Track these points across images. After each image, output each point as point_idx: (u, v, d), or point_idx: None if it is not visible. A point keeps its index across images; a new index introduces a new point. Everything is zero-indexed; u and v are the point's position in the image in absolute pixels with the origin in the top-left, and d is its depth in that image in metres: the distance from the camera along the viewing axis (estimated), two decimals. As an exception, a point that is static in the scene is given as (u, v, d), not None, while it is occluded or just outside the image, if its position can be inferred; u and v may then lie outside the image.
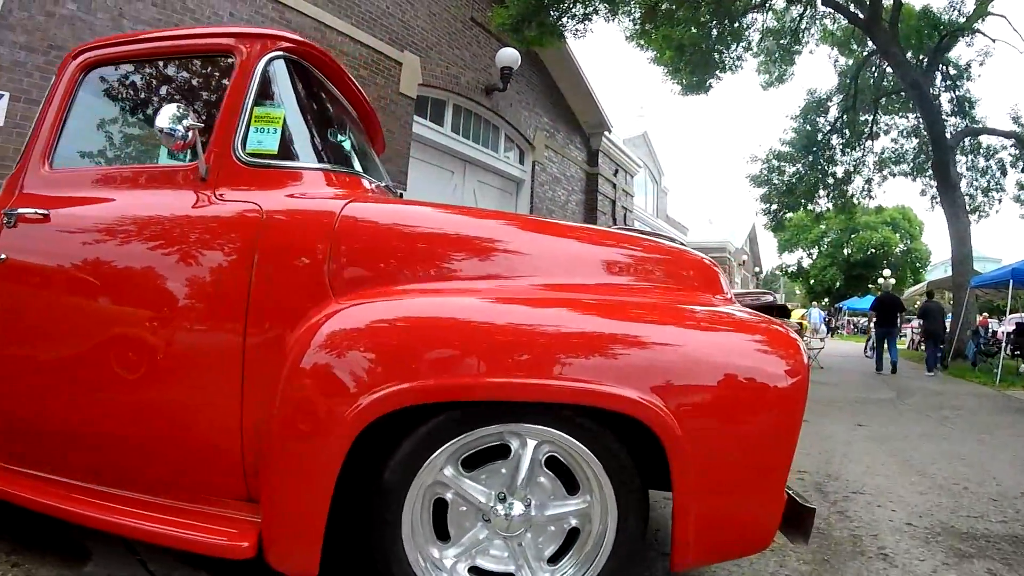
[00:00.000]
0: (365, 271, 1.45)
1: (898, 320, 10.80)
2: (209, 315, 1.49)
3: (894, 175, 15.52)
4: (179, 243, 1.53)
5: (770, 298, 6.60)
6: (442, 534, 1.40)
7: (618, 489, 1.36)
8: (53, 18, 4.61)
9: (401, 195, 7.60)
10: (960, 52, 13.89)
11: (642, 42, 10.19)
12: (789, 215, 16.40)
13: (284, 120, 1.68)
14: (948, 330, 11.63)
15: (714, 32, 9.93)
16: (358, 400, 1.23)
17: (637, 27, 9.78)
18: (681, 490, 1.29)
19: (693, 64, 10.16)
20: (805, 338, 11.35)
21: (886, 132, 14.99)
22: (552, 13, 7.81)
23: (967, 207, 13.33)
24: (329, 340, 1.28)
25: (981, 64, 13.54)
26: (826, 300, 38.42)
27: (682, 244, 5.53)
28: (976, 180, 14.96)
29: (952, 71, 13.96)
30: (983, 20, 12.38)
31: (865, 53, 13.16)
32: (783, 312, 6.57)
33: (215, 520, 1.45)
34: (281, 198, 1.54)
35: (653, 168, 22.91)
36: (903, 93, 12.85)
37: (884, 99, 14.08)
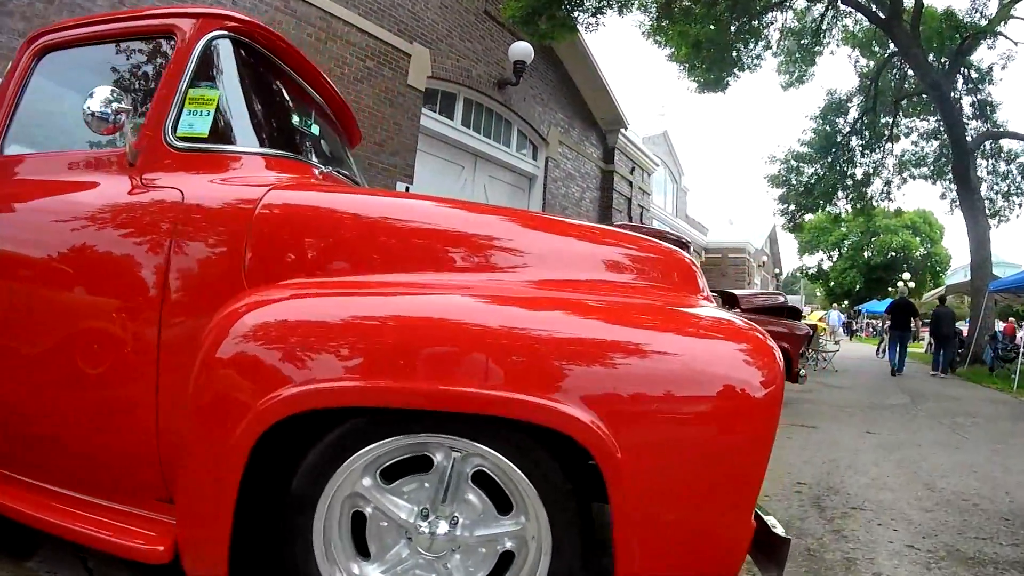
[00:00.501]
0: (283, 261, 1.33)
1: (911, 324, 10.92)
2: (124, 306, 1.39)
3: (914, 178, 15.04)
4: (101, 231, 1.45)
5: (781, 299, 6.37)
6: (365, 550, 1.25)
7: (551, 512, 1.18)
8: (52, 4, 4.55)
9: (408, 188, 7.52)
10: (982, 55, 13.47)
11: (659, 38, 9.92)
12: (807, 216, 15.94)
13: (220, 102, 1.56)
14: (959, 335, 11.76)
15: (732, 29, 9.61)
16: (253, 404, 1.12)
17: (653, 23, 9.50)
18: (622, 518, 1.10)
19: (710, 61, 9.86)
20: (821, 340, 11.01)
21: (906, 135, 14.53)
22: (564, 6, 7.60)
23: (987, 211, 13.02)
24: (229, 337, 1.16)
25: (1003, 68, 13.09)
26: (846, 303, 37.62)
27: (685, 241, 5.33)
28: (996, 184, 14.54)
29: (974, 74, 13.52)
30: (1005, 23, 11.93)
31: (886, 55, 12.71)
32: (794, 313, 6.32)
33: (136, 521, 1.36)
34: (204, 184, 1.43)
35: (673, 167, 22.52)
36: (924, 95, 12.41)
37: (905, 101, 13.62)
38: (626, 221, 13.60)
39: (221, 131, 1.56)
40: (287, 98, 1.92)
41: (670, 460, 1.14)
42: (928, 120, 14.01)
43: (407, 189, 7.41)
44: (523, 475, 1.17)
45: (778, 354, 1.31)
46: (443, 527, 1.20)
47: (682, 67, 10.45)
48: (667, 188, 21.98)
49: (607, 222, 9.80)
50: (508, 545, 1.25)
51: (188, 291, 1.35)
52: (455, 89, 8.39)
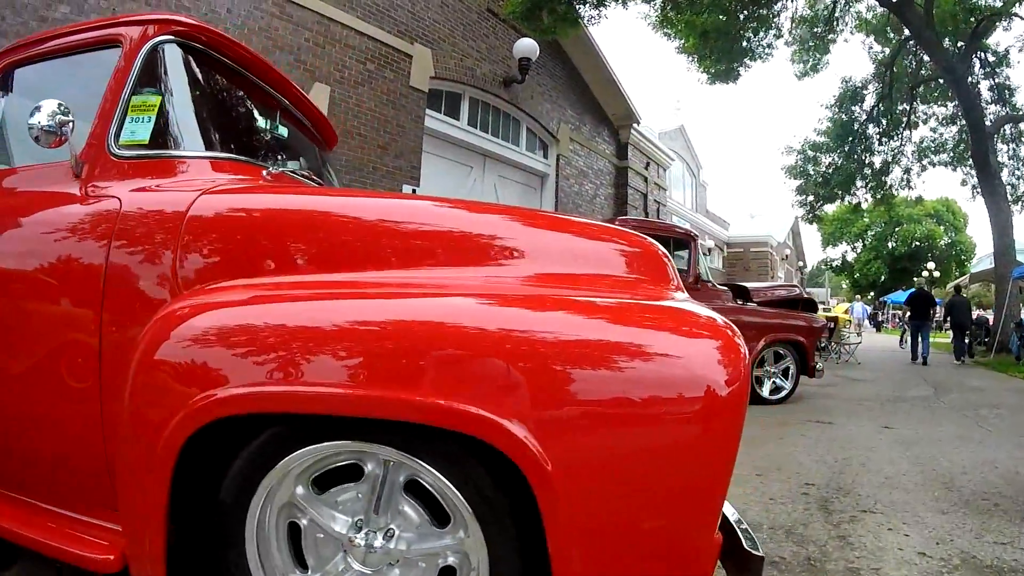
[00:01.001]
0: (213, 265, 1.30)
1: (931, 314, 11.15)
2: (68, 315, 1.40)
3: (934, 165, 14.40)
4: (47, 242, 1.45)
5: (797, 291, 6.10)
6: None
7: (485, 528, 1.05)
8: (47, 22, 4.57)
9: (414, 191, 7.43)
10: (998, 38, 12.87)
11: (667, 30, 9.65)
12: (826, 207, 15.41)
13: (162, 107, 1.55)
14: (985, 324, 12.21)
15: (741, 18, 9.30)
16: (177, 410, 1.08)
17: (659, 14, 9.24)
18: (556, 537, 0.98)
19: (719, 51, 9.56)
20: (844, 332, 10.62)
21: (924, 121, 13.92)
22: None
23: (1008, 196, 12.52)
24: (154, 343, 1.14)
25: (1021, 50, 12.41)
26: (871, 294, 36.56)
27: (693, 235, 5.12)
28: (1018, 169, 13.93)
29: (990, 57, 12.93)
30: (1021, 4, 11.34)
31: (901, 39, 12.20)
32: (811, 306, 6.05)
33: (90, 530, 1.34)
34: (142, 191, 1.43)
35: (691, 162, 22.13)
36: (941, 81, 11.89)
37: (921, 87, 13.05)
38: (641, 216, 13.35)
39: (165, 136, 1.54)
40: (240, 100, 1.89)
41: (613, 472, 1.00)
42: (946, 106, 13.41)
43: (413, 191, 7.34)
44: (453, 487, 1.05)
45: (742, 349, 1.14)
46: (378, 540, 1.11)
47: (691, 59, 10.16)
48: (685, 183, 21.59)
49: (622, 218, 9.56)
50: (451, 560, 1.13)
51: (125, 298, 1.33)
52: (460, 89, 8.28)
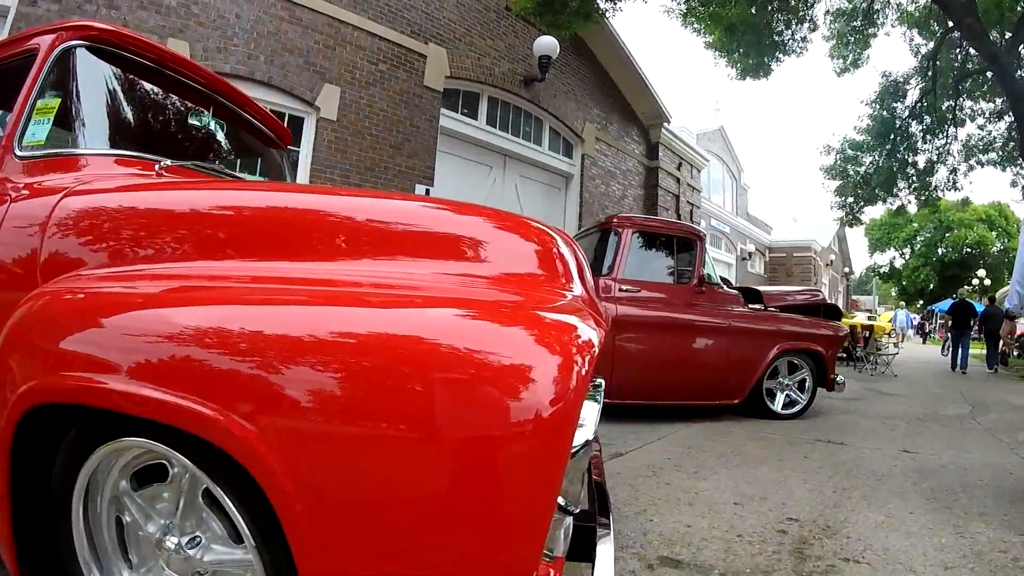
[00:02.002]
0: (71, 259, 1.30)
1: (971, 324, 11.05)
2: None
3: (981, 165, 12.96)
4: None
5: (819, 297, 5.53)
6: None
7: (262, 545, 0.90)
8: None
9: (428, 191, 7.23)
10: None
11: (693, 22, 9.07)
12: (867, 209, 14.21)
13: (63, 108, 1.59)
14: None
15: (769, 9, 8.60)
16: (5, 399, 1.07)
17: (682, 7, 8.68)
18: (303, 563, 0.83)
19: (747, 45, 8.88)
20: (883, 342, 9.74)
21: (972, 119, 12.58)
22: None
23: None
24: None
25: None
26: (920, 302, 34.09)
27: (701, 234, 4.68)
28: (1071, 167, 12.39)
29: None
30: None
31: (943, 31, 11.03)
32: (833, 313, 5.47)
33: None
34: (31, 187, 1.45)
35: (732, 164, 21.18)
36: (989, 74, 10.67)
37: (968, 81, 11.77)
38: (673, 219, 12.75)
39: (68, 135, 1.58)
40: (155, 99, 1.91)
41: (368, 497, 0.82)
42: (994, 101, 12.05)
43: (427, 191, 7.14)
44: (230, 498, 0.93)
45: (576, 368, 0.88)
46: (185, 546, 1.04)
47: (719, 53, 9.52)
48: (726, 185, 20.67)
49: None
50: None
51: (2, 295, 1.33)
52: (478, 88, 8.04)
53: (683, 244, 4.70)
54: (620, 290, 4.36)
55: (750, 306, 4.90)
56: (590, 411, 0.99)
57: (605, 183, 10.63)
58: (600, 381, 1.47)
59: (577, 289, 1.25)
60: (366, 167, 6.50)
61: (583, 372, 0.86)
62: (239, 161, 2.56)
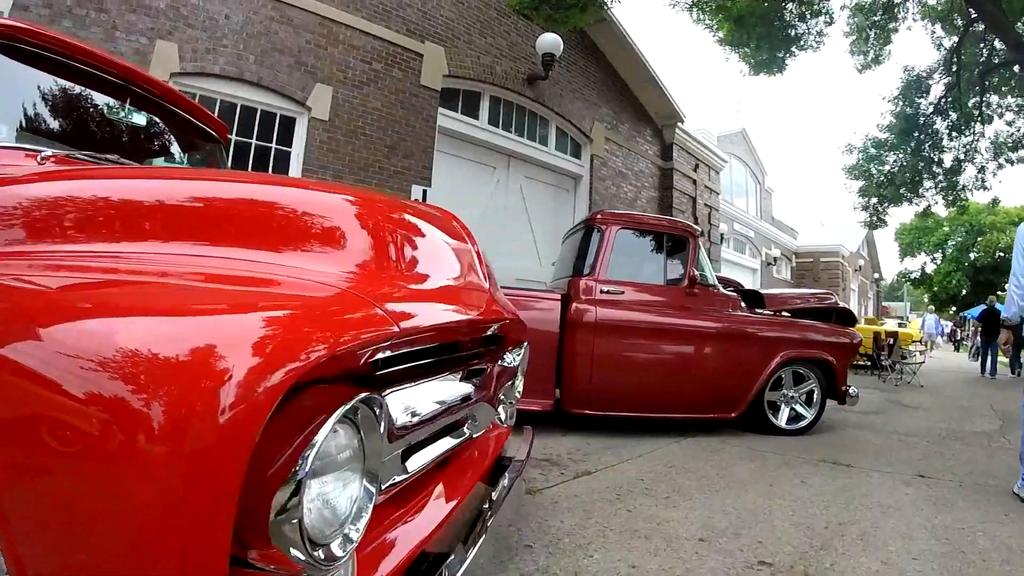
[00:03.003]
0: None
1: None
2: None
3: (1012, 163, 11.86)
4: None
5: (831, 300, 4.97)
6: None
7: None
8: None
9: (425, 191, 6.89)
10: None
11: (702, 16, 8.51)
12: (893, 211, 13.10)
13: None
14: None
15: (780, 1, 7.95)
16: None
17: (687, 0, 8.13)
18: None
19: (757, 38, 8.25)
20: (910, 351, 8.94)
21: (999, 115, 11.49)
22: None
23: None
24: None
25: None
26: (952, 309, 32.06)
27: (697, 232, 4.20)
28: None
29: None
30: None
31: (966, 23, 10.06)
32: (846, 318, 4.90)
33: None
34: None
35: (755, 167, 20.32)
36: (1016, 68, 9.69)
37: (994, 75, 10.74)
38: (692, 221, 12.15)
39: None
40: (65, 92, 1.85)
41: None
42: (1023, 97, 11.01)
43: (424, 192, 6.83)
44: None
45: (232, 374, 0.64)
46: None
47: (730, 48, 8.91)
48: (749, 189, 19.82)
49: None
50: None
51: None
52: (478, 87, 7.69)
53: (674, 242, 4.24)
54: (601, 291, 3.93)
55: (752, 310, 4.40)
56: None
57: (616, 184, 10.13)
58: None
59: (437, 276, 1.16)
60: (359, 167, 6.23)
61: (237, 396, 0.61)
62: (172, 154, 2.45)
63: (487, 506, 1.27)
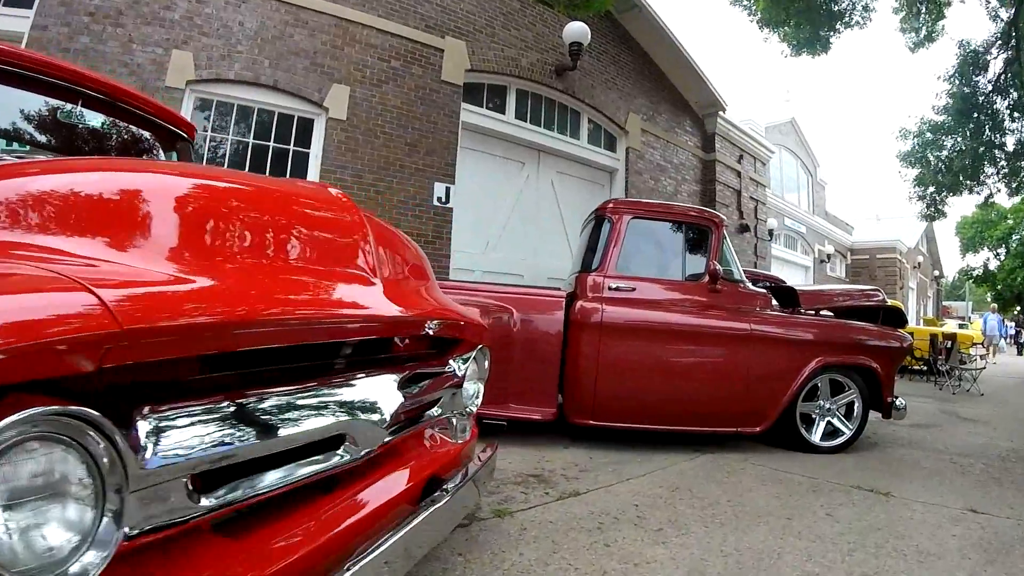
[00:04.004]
0: None
1: None
2: None
3: None
4: None
5: (878, 298, 4.31)
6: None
7: None
8: (68, 53, 4.63)
9: (448, 189, 6.65)
10: None
11: (740, -3, 7.76)
12: (952, 201, 11.49)
13: None
14: None
15: None
16: None
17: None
18: None
19: (797, 15, 7.39)
20: (970, 354, 7.87)
21: None
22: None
23: None
24: None
25: None
26: (1017, 309, 28.63)
27: (717, 219, 3.70)
28: None
29: None
30: None
31: None
32: (895, 318, 4.23)
33: None
34: None
35: (806, 159, 18.91)
36: None
37: None
38: (737, 216, 11.33)
39: None
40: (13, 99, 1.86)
41: None
42: None
43: (447, 190, 6.58)
44: None
45: None
46: None
47: (769, 28, 8.08)
48: (800, 182, 18.45)
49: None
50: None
51: None
52: (504, 81, 7.35)
53: (694, 232, 3.75)
54: (610, 288, 3.51)
55: (784, 309, 3.85)
56: None
57: (654, 178, 9.54)
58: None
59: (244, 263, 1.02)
60: (379, 166, 6.04)
61: None
62: (139, 154, 2.47)
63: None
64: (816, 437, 3.61)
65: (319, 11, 5.70)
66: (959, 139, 10.47)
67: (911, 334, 4.17)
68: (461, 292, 3.49)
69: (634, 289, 3.54)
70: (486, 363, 1.96)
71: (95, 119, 2.11)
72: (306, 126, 5.79)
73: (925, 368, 8.48)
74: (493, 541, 2.00)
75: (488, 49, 7.01)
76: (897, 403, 3.67)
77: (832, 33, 8.00)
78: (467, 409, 1.85)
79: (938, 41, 8.93)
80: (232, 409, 0.92)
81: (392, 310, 1.29)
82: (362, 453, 1.23)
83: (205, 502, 0.86)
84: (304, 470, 1.06)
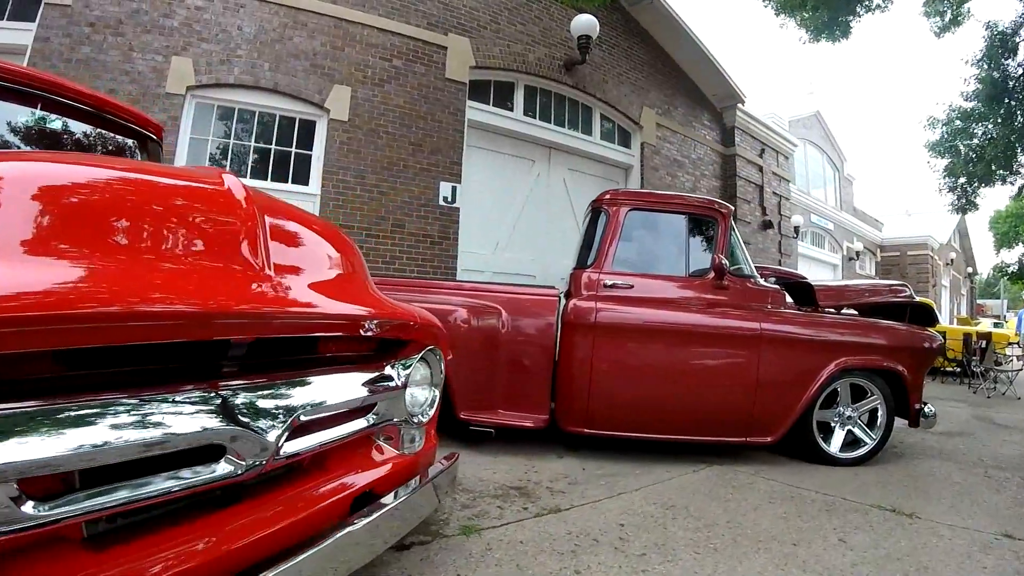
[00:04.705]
0: None
1: None
2: None
3: None
4: None
5: (905, 293, 3.90)
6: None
7: None
8: (71, 63, 4.62)
9: (454, 188, 6.45)
10: None
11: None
12: (984, 192, 10.59)
13: None
14: None
15: None
16: None
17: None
18: None
19: None
20: (1006, 355, 7.21)
21: None
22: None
23: None
24: None
25: None
26: None
27: (725, 210, 3.38)
28: None
29: None
30: None
31: None
32: (924, 315, 3.81)
33: None
34: None
35: (832, 153, 18.04)
36: None
37: None
38: (759, 212, 10.81)
39: None
40: None
41: None
42: None
43: (453, 189, 6.37)
44: None
45: None
46: None
47: (785, 14, 7.58)
48: (827, 178, 17.61)
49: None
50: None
51: None
52: (511, 77, 7.11)
53: (699, 224, 3.44)
54: (606, 285, 3.23)
55: (800, 307, 3.50)
56: None
57: (671, 174, 9.14)
58: None
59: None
60: (383, 166, 5.87)
61: None
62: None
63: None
64: (835, 448, 3.24)
65: (318, 13, 5.57)
66: (990, 126, 9.68)
67: (942, 333, 3.75)
68: (443, 292, 3.26)
69: (632, 286, 3.25)
70: (441, 367, 1.73)
71: (55, 122, 2.09)
72: (308, 128, 5.67)
73: (959, 370, 7.85)
74: (450, 562, 1.77)
75: (493, 45, 6.78)
76: (925, 410, 3.27)
77: (852, 17, 7.46)
78: (416, 418, 1.63)
79: (964, 24, 8.25)
80: (67, 413, 0.81)
81: (282, 307, 1.09)
82: (245, 467, 1.05)
83: (32, 511, 0.78)
84: (167, 483, 0.95)
